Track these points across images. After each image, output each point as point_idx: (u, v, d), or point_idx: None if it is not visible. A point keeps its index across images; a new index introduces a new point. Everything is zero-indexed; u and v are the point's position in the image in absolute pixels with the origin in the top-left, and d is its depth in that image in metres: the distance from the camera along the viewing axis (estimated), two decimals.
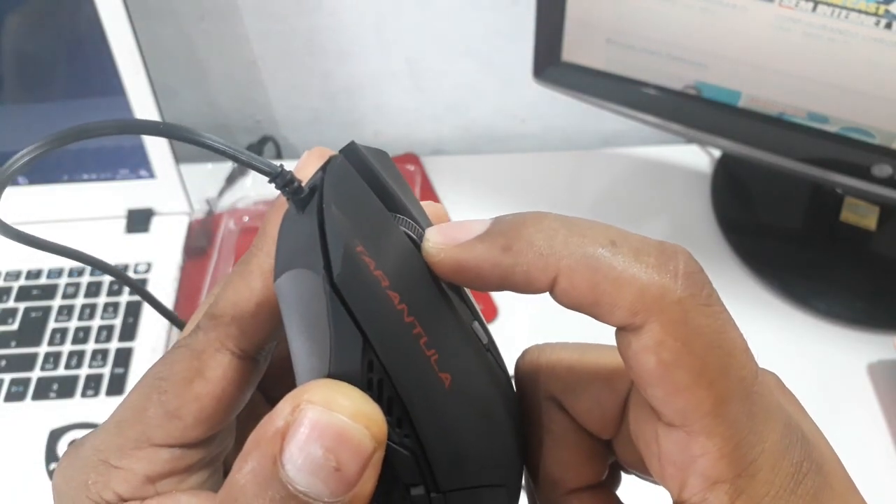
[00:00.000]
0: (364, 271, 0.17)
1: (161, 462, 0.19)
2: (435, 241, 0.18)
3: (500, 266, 0.17)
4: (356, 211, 0.17)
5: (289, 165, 0.19)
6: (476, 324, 0.19)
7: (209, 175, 0.76)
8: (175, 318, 0.25)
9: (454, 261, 0.17)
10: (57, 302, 0.65)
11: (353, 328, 0.17)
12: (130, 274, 0.67)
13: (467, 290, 0.20)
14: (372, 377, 0.17)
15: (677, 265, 0.16)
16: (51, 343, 0.62)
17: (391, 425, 0.17)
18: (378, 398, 0.17)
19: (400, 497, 0.18)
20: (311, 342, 0.18)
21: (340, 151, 0.19)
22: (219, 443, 0.20)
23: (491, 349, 0.19)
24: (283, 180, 0.18)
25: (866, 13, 0.48)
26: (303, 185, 0.18)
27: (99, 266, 0.23)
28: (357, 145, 0.19)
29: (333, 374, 0.17)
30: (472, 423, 0.18)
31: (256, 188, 0.75)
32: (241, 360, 0.19)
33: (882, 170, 0.54)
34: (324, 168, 0.18)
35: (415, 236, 0.19)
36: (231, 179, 0.76)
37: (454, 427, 0.17)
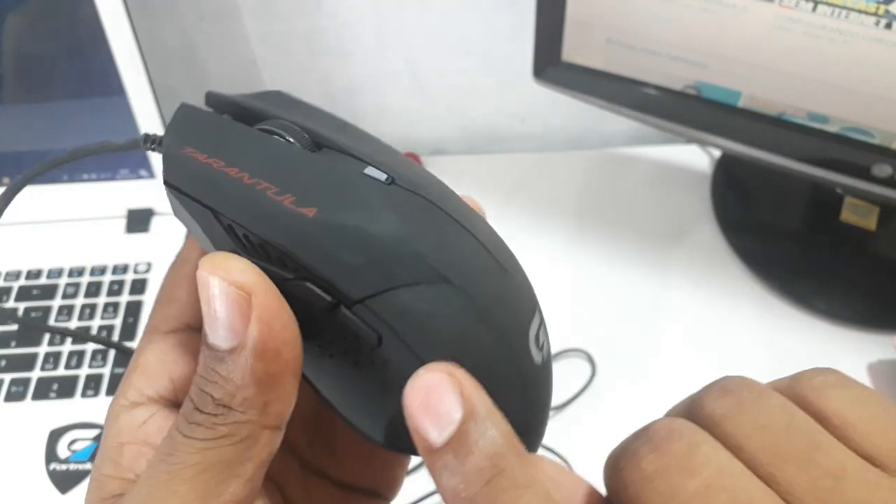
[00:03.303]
0: (190, 162, 0.20)
1: (172, 346, 0.21)
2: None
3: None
4: (194, 128, 0.20)
5: None
6: (370, 168, 0.19)
7: None
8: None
9: None
10: (57, 302, 0.65)
11: (199, 206, 0.19)
12: (130, 274, 0.67)
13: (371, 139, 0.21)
14: (239, 236, 0.19)
15: None
16: (51, 343, 0.62)
17: (278, 266, 0.19)
18: (255, 251, 0.19)
19: (330, 324, 0.19)
20: (198, 236, 0.21)
21: (206, 101, 0.22)
22: None
23: (400, 183, 0.19)
24: (148, 142, 0.22)
25: (866, 13, 0.48)
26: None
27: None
28: (213, 92, 0.22)
29: (217, 248, 0.20)
30: (352, 235, 0.18)
31: None
32: None
33: (882, 170, 0.54)
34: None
35: (277, 129, 0.20)
36: None
37: (330, 246, 0.18)
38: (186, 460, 0.18)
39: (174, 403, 0.21)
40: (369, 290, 0.18)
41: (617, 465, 0.17)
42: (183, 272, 0.22)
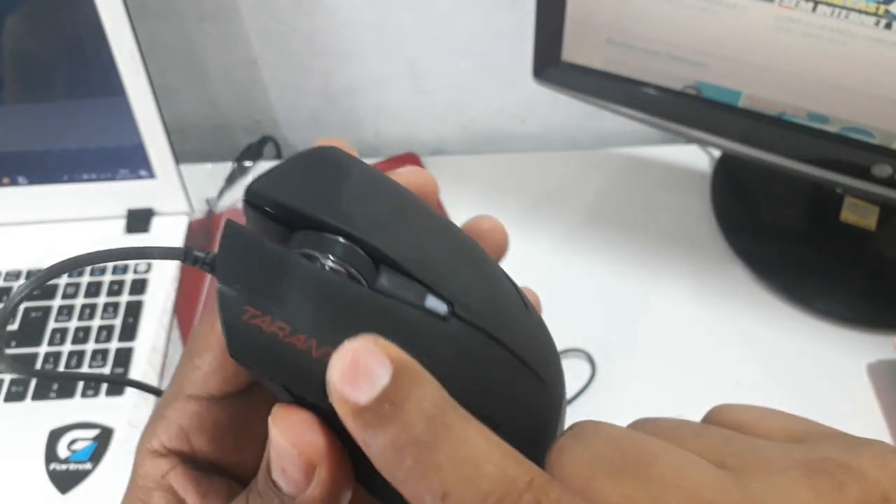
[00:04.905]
0: (255, 335, 0.18)
1: (191, 413, 0.23)
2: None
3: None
4: (246, 272, 0.19)
5: None
6: (430, 297, 0.19)
7: (209, 175, 0.76)
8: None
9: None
10: (57, 302, 0.65)
11: (274, 385, 0.19)
12: (130, 274, 0.67)
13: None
14: (309, 403, 0.19)
15: None
16: (51, 343, 0.62)
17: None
18: (324, 414, 0.18)
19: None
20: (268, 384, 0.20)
21: (244, 198, 0.21)
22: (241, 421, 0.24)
23: (461, 313, 0.19)
24: (191, 259, 0.20)
25: (866, 13, 0.48)
26: (208, 255, 0.20)
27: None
28: (254, 185, 0.20)
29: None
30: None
31: None
32: None
33: (882, 170, 0.54)
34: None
35: (317, 254, 0.19)
36: (231, 179, 0.76)
37: None
38: None
39: (190, 460, 0.23)
40: None
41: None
42: (206, 343, 0.23)
